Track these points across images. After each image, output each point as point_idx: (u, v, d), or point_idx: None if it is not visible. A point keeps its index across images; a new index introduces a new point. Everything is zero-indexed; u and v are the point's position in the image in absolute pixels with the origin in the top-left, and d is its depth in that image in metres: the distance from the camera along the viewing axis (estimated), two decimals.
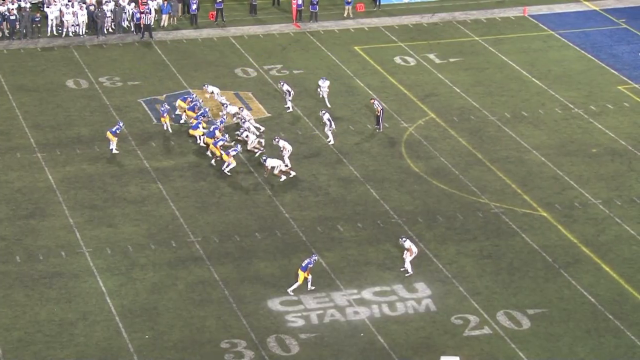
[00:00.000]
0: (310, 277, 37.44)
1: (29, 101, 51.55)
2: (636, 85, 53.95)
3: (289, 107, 50.43)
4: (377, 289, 38.08)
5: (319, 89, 51.25)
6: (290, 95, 50.31)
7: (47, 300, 37.22)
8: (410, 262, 38.34)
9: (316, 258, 37.97)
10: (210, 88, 50.57)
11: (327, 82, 51.01)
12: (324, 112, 48.33)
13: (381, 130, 48.73)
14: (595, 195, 44.12)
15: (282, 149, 45.35)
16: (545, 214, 42.82)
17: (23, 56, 56.73)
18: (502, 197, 43.88)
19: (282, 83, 50.89)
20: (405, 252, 38.27)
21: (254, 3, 62.33)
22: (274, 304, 37.16)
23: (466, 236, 41.22)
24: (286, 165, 44.65)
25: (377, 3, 63.85)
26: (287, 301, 37.35)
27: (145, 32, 58.84)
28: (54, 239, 40.71)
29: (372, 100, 49.23)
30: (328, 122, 47.56)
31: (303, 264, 37.46)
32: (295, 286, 37.42)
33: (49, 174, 45.10)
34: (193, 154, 46.76)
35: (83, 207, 42.69)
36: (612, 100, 52.38)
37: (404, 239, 38.74)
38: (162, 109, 48.47)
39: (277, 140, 45.84)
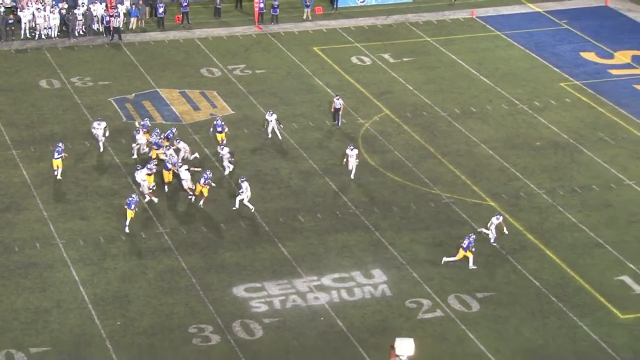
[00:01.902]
0: (471, 256, 38.12)
1: (4, 100, 51.19)
2: (577, 82, 54.31)
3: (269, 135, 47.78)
4: (336, 275, 38.18)
5: (265, 124, 47.97)
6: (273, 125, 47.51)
7: (22, 289, 37.04)
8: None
9: (474, 236, 38.54)
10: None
11: (275, 116, 47.59)
12: (271, 112, 47.66)
13: (339, 126, 48.71)
14: (539, 186, 44.43)
15: (181, 150, 44.52)
16: (493, 204, 43.07)
17: None
18: (452, 188, 44.10)
19: (270, 112, 47.87)
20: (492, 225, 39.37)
21: (218, 6, 62.19)
22: (239, 291, 37.19)
23: (419, 225, 41.40)
24: (190, 188, 42.77)
25: (335, 6, 63.87)
26: (251, 288, 37.38)
27: (115, 35, 58.57)
28: (29, 232, 40.50)
29: (337, 97, 48.93)
30: (275, 122, 47.37)
31: (464, 244, 38.05)
32: (452, 259, 38.42)
33: (24, 170, 44.83)
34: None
35: (56, 201, 42.50)
36: (554, 96, 52.72)
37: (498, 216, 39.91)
38: (143, 124, 46.68)
39: (178, 141, 44.92)
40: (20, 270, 38.12)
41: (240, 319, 35.72)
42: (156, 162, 43.42)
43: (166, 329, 35.14)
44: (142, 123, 46.54)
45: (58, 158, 43.48)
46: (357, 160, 44.08)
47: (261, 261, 38.89)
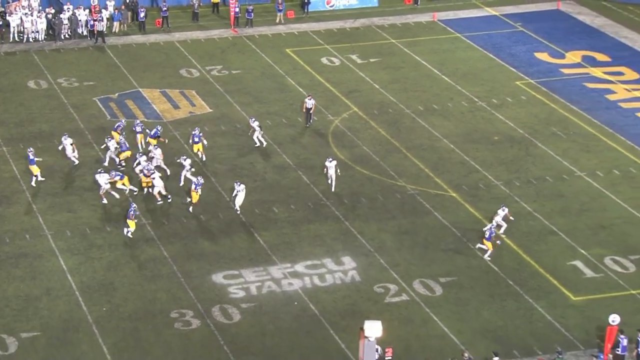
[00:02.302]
0: (491, 247, 38.18)
1: None
2: (531, 81, 54.51)
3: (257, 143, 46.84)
4: (309, 262, 38.22)
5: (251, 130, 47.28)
6: (257, 132, 46.79)
7: (13, 278, 36.87)
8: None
9: (494, 226, 38.70)
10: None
11: (257, 122, 46.97)
12: (253, 119, 47.20)
13: (309, 125, 48.54)
14: (497, 178, 44.62)
15: (155, 157, 43.67)
16: (454, 195, 43.22)
17: None
18: (417, 180, 44.21)
19: (252, 119, 47.24)
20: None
21: (196, 11, 61.97)
22: (218, 278, 37.17)
23: (386, 215, 41.49)
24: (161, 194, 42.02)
25: (306, 10, 63.80)
26: (229, 275, 37.37)
27: (99, 38, 58.28)
28: (19, 224, 40.29)
29: (309, 97, 48.87)
30: (258, 129, 46.61)
31: (487, 235, 38.12)
32: (487, 249, 38.48)
33: (14, 166, 44.58)
34: (143, 148, 46.41)
35: (45, 194, 42.28)
36: (511, 94, 52.91)
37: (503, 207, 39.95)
38: (138, 128, 46.23)
39: (156, 147, 44.14)
40: (11, 260, 37.93)
41: (219, 304, 35.71)
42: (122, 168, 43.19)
43: (149, 314, 35.08)
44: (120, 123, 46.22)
45: (34, 164, 42.34)
46: (338, 172, 42.58)
47: (238, 250, 38.87)
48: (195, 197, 40.94)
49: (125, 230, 39.16)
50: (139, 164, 42.94)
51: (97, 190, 42.26)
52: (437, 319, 35.17)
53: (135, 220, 39.11)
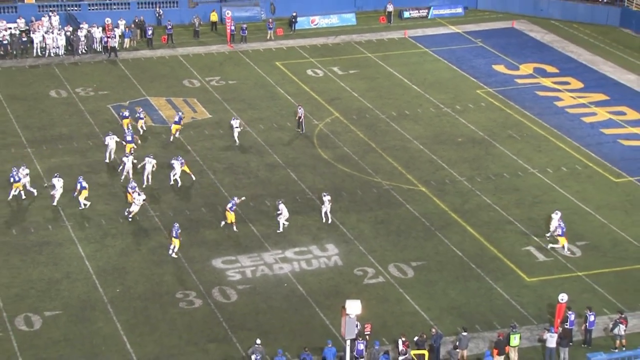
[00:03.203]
0: (566, 242, 37.27)
1: (20, 107, 50.40)
2: (490, 90, 54.42)
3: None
4: (297, 249, 38.03)
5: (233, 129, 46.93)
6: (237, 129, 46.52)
7: (38, 263, 36.58)
8: None
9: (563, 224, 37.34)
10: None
11: (238, 121, 46.91)
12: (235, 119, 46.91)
13: (301, 132, 48.10)
14: (460, 174, 44.52)
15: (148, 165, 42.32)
16: (423, 189, 43.10)
17: (14, 72, 55.41)
18: (391, 177, 44.06)
19: (234, 118, 47.24)
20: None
21: (196, 29, 61.63)
22: (217, 263, 36.94)
23: (364, 207, 41.33)
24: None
25: (293, 28, 63.55)
26: (227, 260, 37.15)
27: (112, 53, 57.87)
28: (42, 216, 39.95)
29: (299, 106, 48.63)
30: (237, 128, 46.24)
31: (559, 232, 37.01)
32: (557, 246, 37.63)
33: (37, 165, 44.19)
34: (154, 147, 46.12)
35: (64, 190, 41.79)
36: (472, 101, 52.83)
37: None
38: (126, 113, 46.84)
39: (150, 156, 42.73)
40: (35, 247, 37.60)
41: (218, 285, 35.50)
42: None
43: (157, 295, 34.85)
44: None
45: (18, 181, 40.10)
46: (330, 205, 39.33)
47: (235, 238, 38.64)
48: (230, 217, 38.71)
49: (170, 249, 37.00)
50: (124, 164, 42.20)
51: (110, 186, 41.97)
52: (409, 298, 35.07)
53: (180, 239, 37.01)
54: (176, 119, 46.79)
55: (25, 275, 35.73)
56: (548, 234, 38.77)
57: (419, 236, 39.15)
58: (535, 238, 39.09)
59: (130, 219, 39.44)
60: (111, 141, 44.33)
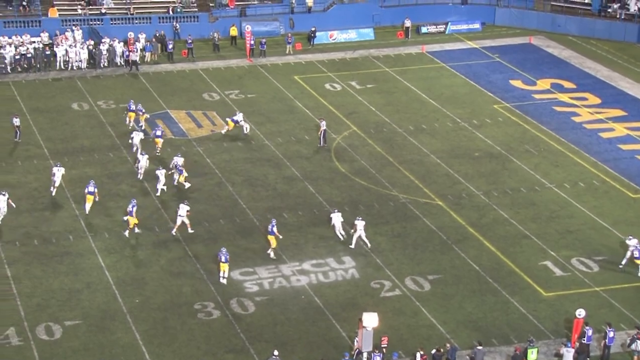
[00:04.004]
0: None
1: (43, 120, 50.72)
2: (507, 105, 54.33)
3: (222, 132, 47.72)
4: (314, 261, 38.02)
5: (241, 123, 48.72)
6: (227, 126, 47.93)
7: (59, 273, 36.72)
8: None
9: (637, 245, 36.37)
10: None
11: (241, 115, 48.62)
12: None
13: (322, 145, 47.98)
14: (477, 188, 44.41)
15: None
16: (440, 203, 43.02)
17: (38, 85, 55.81)
18: (407, 190, 44.00)
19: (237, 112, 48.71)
20: None
21: (216, 43, 61.93)
22: (235, 274, 36.96)
23: (381, 220, 41.27)
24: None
25: (312, 43, 63.73)
26: (245, 272, 37.17)
27: (133, 66, 58.20)
28: (63, 226, 40.13)
29: (321, 120, 48.74)
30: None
31: (636, 255, 36.20)
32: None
33: (51, 194, 44.25)
34: (170, 159, 46.24)
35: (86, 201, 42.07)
36: (489, 115, 52.75)
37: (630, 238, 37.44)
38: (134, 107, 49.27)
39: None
40: (56, 258, 37.77)
41: (236, 297, 35.52)
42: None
43: (175, 306, 34.90)
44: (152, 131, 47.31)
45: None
46: (363, 231, 38.40)
47: (253, 250, 38.67)
48: (273, 241, 37.95)
49: (220, 275, 36.07)
50: (139, 161, 43.67)
51: (131, 197, 42.07)
52: (425, 311, 34.96)
53: (227, 263, 36.00)
54: (158, 133, 46.38)
55: (47, 285, 35.88)
56: (621, 265, 37.63)
57: (436, 250, 39.05)
58: (552, 253, 38.90)
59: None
60: (136, 136, 45.87)
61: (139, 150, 45.08)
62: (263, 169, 45.82)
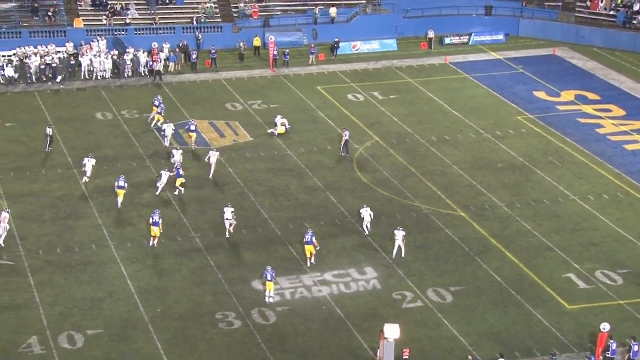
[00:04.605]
0: None
1: (67, 129, 51.00)
2: (531, 116, 54.08)
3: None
4: (336, 272, 37.90)
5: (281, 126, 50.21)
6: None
7: (81, 282, 36.83)
8: None
9: None
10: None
11: (285, 120, 50.39)
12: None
13: (343, 155, 47.98)
14: (500, 200, 44.16)
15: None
16: (463, 214, 42.80)
17: (62, 95, 56.18)
18: (430, 201, 43.82)
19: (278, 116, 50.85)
20: None
21: (242, 53, 62.13)
22: (257, 284, 36.92)
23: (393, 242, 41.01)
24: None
25: (335, 53, 63.76)
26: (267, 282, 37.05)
27: (157, 76, 58.46)
28: (86, 235, 40.28)
29: (344, 130, 48.74)
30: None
31: None
32: None
33: (83, 185, 44.60)
34: (194, 169, 46.41)
35: (109, 210, 42.26)
36: (513, 127, 52.50)
37: None
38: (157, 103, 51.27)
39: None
40: (79, 267, 37.89)
41: (257, 307, 35.45)
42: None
43: (197, 315, 34.88)
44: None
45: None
46: (401, 241, 38.53)
47: (275, 260, 38.60)
48: (311, 250, 37.86)
49: (267, 295, 35.60)
50: (174, 156, 45.31)
51: (153, 207, 42.19)
52: (447, 323, 34.73)
53: (272, 282, 35.50)
54: (192, 127, 48.55)
55: (69, 294, 35.99)
56: None
57: (458, 261, 38.82)
58: (575, 265, 38.57)
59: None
60: (168, 128, 48.22)
61: (169, 143, 47.30)
62: (285, 179, 45.80)
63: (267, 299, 35.51)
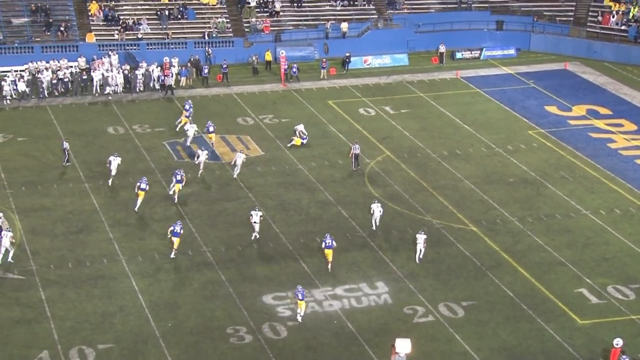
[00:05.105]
0: None
1: (79, 143, 51.20)
2: (542, 130, 54.05)
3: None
4: (347, 286, 37.87)
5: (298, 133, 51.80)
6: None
7: (92, 297, 36.89)
8: None
9: None
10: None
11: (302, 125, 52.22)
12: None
13: (354, 169, 48.12)
14: (512, 214, 44.10)
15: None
16: (474, 229, 42.75)
17: (74, 109, 56.45)
18: (441, 216, 43.78)
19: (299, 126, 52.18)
20: None
21: (255, 66, 62.37)
22: (268, 299, 36.91)
23: (415, 246, 41.06)
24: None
25: (346, 68, 63.93)
26: (278, 296, 37.09)
27: (168, 91, 58.69)
28: (97, 250, 40.37)
29: (354, 143, 48.84)
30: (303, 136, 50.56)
31: None
32: None
33: (94, 199, 44.76)
34: (204, 183, 46.53)
35: (120, 224, 42.38)
36: (524, 141, 52.47)
37: None
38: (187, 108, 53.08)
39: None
40: (90, 281, 37.97)
41: (268, 321, 35.44)
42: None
43: (208, 330, 34.89)
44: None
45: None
46: (422, 245, 39.55)
47: (286, 274, 38.62)
48: (328, 254, 38.70)
49: (298, 313, 35.42)
50: (199, 156, 47.01)
51: (164, 221, 42.33)
52: (459, 338, 34.64)
53: (304, 301, 35.48)
54: (211, 129, 50.76)
55: (80, 309, 36.05)
56: None
57: (470, 276, 38.75)
58: (587, 280, 38.46)
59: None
60: (191, 128, 50.49)
61: (189, 143, 49.51)
62: (296, 193, 45.85)
63: (298, 317, 35.40)
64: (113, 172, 45.56)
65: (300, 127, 51.81)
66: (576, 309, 36.47)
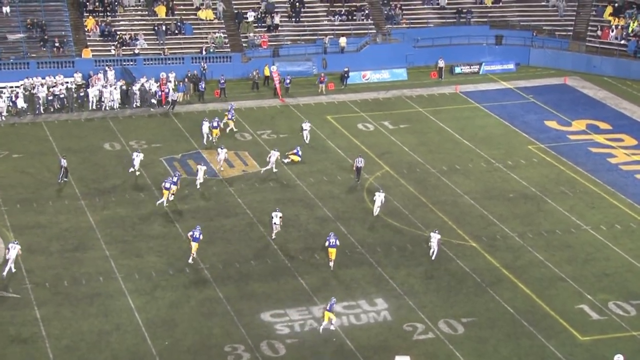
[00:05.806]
0: None
1: (75, 160, 51.18)
2: (542, 145, 54.13)
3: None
4: (346, 303, 37.83)
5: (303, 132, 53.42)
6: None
7: (88, 315, 36.82)
8: None
9: None
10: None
11: (308, 124, 53.93)
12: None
13: (358, 181, 48.36)
14: (512, 230, 44.11)
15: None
16: (474, 244, 42.75)
17: (70, 125, 56.52)
18: (441, 232, 43.54)
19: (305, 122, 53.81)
20: None
21: (256, 81, 62.52)
22: (266, 316, 36.86)
23: (414, 262, 41.07)
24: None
25: (344, 83, 64.08)
26: (276, 314, 37.05)
27: (172, 106, 58.77)
28: (94, 267, 40.34)
29: (359, 156, 48.98)
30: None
31: None
32: None
33: (90, 217, 44.75)
34: (202, 199, 46.55)
35: (116, 242, 42.36)
36: (524, 156, 52.54)
37: None
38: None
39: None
40: (86, 299, 37.91)
41: (267, 339, 35.38)
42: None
43: (205, 348, 34.82)
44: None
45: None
46: (436, 244, 40.51)
47: (284, 291, 38.59)
48: (331, 253, 39.70)
49: (324, 325, 35.61)
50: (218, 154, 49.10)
51: (161, 238, 42.32)
52: (459, 355, 34.58)
53: (332, 312, 35.55)
54: (214, 124, 53.02)
55: (76, 327, 35.98)
56: None
57: (470, 292, 38.72)
58: (588, 296, 38.44)
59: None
60: (204, 125, 52.74)
61: (209, 139, 52.31)
62: (295, 209, 45.86)
63: (330, 327, 35.75)
64: (136, 167, 48.42)
65: (307, 126, 53.57)
66: (577, 326, 36.44)
